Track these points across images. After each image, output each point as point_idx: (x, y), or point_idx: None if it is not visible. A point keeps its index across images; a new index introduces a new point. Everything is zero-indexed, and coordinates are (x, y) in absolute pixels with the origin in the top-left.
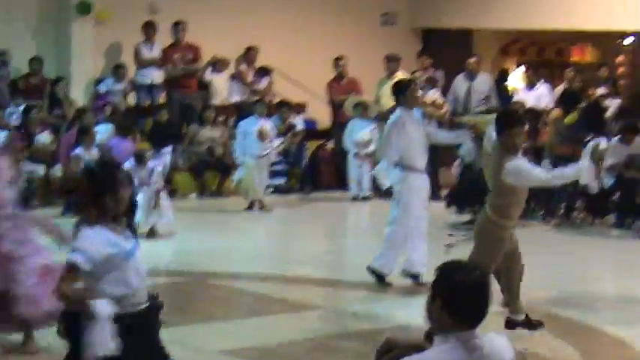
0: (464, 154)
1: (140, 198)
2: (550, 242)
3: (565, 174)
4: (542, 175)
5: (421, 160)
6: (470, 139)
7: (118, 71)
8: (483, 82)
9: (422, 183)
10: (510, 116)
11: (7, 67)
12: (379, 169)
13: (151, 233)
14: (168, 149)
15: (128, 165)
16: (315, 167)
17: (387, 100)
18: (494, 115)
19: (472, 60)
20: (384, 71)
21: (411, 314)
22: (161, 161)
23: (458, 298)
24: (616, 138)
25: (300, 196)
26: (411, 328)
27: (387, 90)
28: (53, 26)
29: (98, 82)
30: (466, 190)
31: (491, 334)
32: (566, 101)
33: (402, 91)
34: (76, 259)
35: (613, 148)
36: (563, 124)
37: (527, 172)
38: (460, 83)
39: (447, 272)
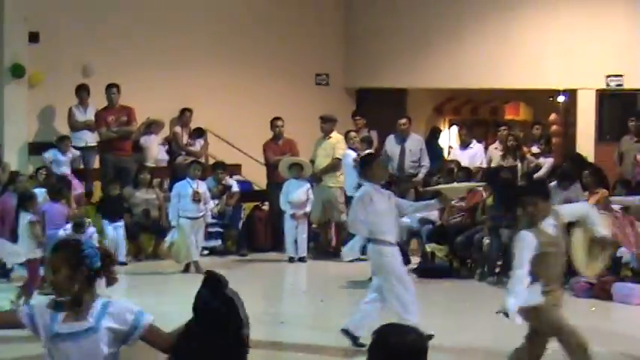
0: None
1: None
2: None
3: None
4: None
5: (391, 233)
6: (438, 207)
7: (62, 142)
8: (415, 142)
9: (395, 254)
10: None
11: None
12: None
13: None
14: (121, 222)
15: (64, 231)
16: (251, 228)
17: (323, 160)
18: (468, 184)
19: (402, 121)
20: (319, 131)
21: None
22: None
23: None
24: (553, 183)
25: (236, 258)
26: None
27: (322, 150)
28: None
29: (38, 148)
30: None
31: None
32: (488, 179)
33: (369, 164)
34: None
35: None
36: (487, 205)
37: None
38: (392, 144)
39: (383, 336)
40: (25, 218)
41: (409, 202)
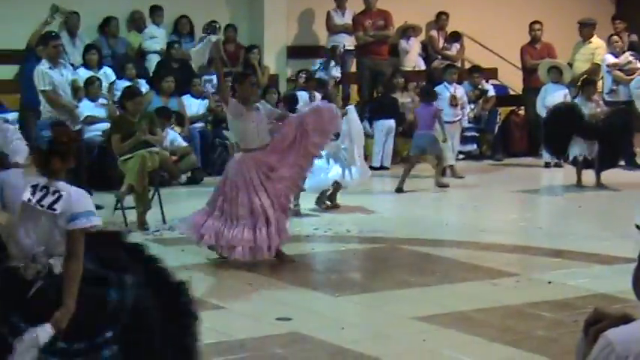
0: None
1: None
2: None
3: None
4: None
5: None
6: None
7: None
8: None
9: None
10: None
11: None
12: None
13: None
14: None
15: None
16: (507, 133)
17: (582, 65)
18: None
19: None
20: (576, 36)
21: (607, 283)
22: None
23: None
24: None
25: (491, 163)
26: (612, 299)
27: (581, 55)
28: None
29: (296, 51)
30: None
31: None
32: None
33: None
34: None
35: None
36: None
37: None
38: None
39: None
40: None
41: None
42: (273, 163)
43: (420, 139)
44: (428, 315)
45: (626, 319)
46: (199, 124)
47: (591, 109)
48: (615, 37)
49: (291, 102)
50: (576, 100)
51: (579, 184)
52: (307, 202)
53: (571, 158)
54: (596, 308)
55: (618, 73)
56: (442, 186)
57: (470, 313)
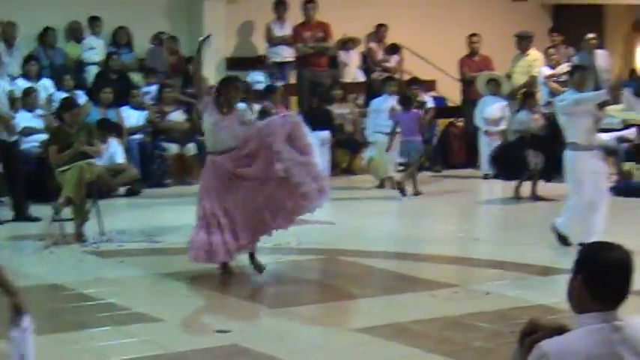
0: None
1: None
2: None
3: None
4: None
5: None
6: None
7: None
8: (603, 59)
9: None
10: None
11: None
12: None
13: None
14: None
15: None
16: (445, 145)
17: (520, 77)
18: None
19: (590, 36)
20: (514, 48)
21: (544, 294)
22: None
23: (600, 276)
24: None
25: (431, 174)
26: (549, 309)
27: (519, 67)
28: (185, 6)
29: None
30: None
31: (632, 316)
32: None
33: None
34: None
35: None
36: None
37: None
38: (582, 61)
39: (590, 250)
40: None
41: None
42: (238, 169)
43: (406, 145)
44: (367, 327)
45: (560, 330)
46: (138, 136)
47: (535, 120)
48: (552, 50)
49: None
50: (521, 113)
51: (517, 196)
52: None
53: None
54: (531, 319)
55: (554, 84)
56: (418, 194)
57: (409, 324)
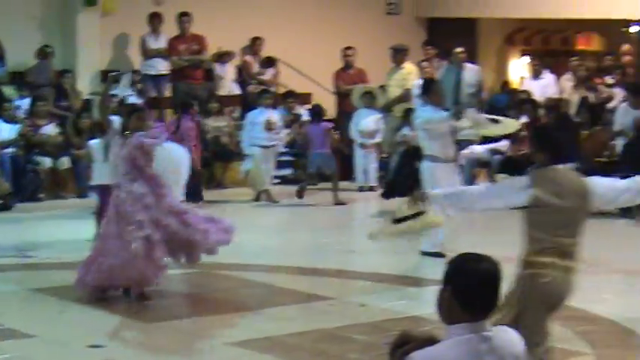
0: None
1: None
2: None
3: None
4: None
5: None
6: None
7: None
8: (472, 73)
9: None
10: None
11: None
12: None
13: None
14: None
15: None
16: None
17: (395, 90)
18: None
19: (459, 50)
20: (389, 61)
21: (418, 306)
22: None
23: (469, 287)
24: (624, 103)
25: (307, 187)
26: (422, 321)
27: (394, 80)
28: (59, 18)
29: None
30: None
31: (502, 327)
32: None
33: (429, 89)
34: None
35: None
36: None
37: None
38: (449, 74)
39: (459, 262)
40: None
41: None
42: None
43: (316, 157)
44: (243, 340)
45: (431, 341)
46: (10, 149)
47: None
48: (425, 63)
49: (103, 129)
50: (405, 130)
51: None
52: None
53: None
54: (402, 331)
55: None
56: (339, 203)
57: (284, 337)
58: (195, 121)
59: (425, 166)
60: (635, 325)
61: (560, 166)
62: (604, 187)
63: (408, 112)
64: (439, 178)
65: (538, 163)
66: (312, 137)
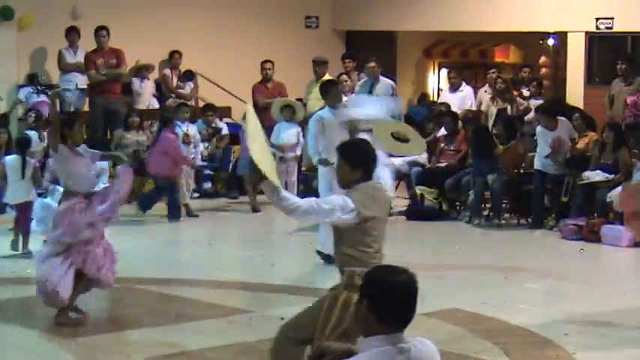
0: None
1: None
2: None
3: None
4: None
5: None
6: None
7: (34, 81)
8: (384, 88)
9: None
10: None
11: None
12: None
13: None
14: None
15: None
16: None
17: (315, 103)
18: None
19: (371, 64)
20: (308, 74)
21: None
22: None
23: (385, 300)
24: (539, 127)
25: (227, 200)
26: None
27: (315, 94)
28: None
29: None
30: None
31: (419, 338)
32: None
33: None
34: None
35: (540, 134)
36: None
37: None
38: (362, 88)
39: (375, 275)
40: (29, 162)
41: None
42: None
43: (244, 160)
44: (161, 355)
45: (349, 354)
46: None
47: None
48: (344, 76)
49: (22, 145)
50: None
51: None
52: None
53: None
54: (319, 343)
55: None
56: (256, 210)
57: (204, 351)
58: (175, 134)
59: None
60: (550, 334)
61: (371, 182)
62: None
63: None
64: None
65: (354, 181)
66: (243, 142)
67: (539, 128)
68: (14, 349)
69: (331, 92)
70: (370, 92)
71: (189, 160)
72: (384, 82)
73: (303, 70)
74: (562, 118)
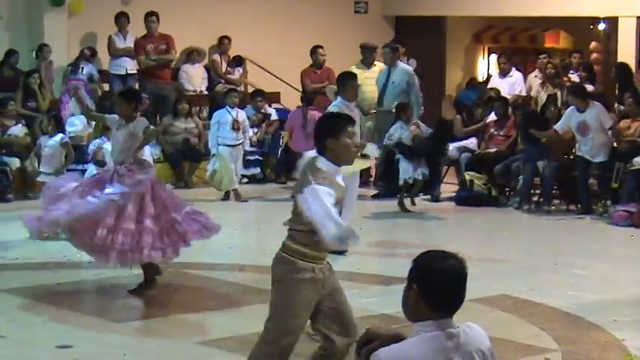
0: None
1: None
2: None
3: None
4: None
5: None
6: None
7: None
8: (401, 74)
9: None
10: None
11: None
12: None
13: None
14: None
15: None
16: (289, 156)
17: (365, 89)
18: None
19: (386, 50)
20: (356, 59)
21: (386, 304)
22: None
23: (435, 285)
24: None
25: (275, 186)
26: (392, 319)
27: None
28: (26, 18)
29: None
30: None
31: (468, 323)
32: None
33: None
34: None
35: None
36: None
37: None
38: (381, 75)
39: (424, 260)
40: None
41: None
42: None
43: None
44: (212, 339)
45: (397, 339)
46: None
47: (412, 131)
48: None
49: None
50: (396, 125)
51: (404, 210)
52: None
53: (401, 182)
54: (368, 329)
55: None
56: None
57: (253, 336)
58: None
59: None
60: (599, 320)
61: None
62: None
63: (400, 109)
64: None
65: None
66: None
67: (569, 110)
68: (69, 335)
69: (348, 86)
70: (387, 79)
71: None
72: (402, 68)
73: (351, 56)
74: (596, 102)
